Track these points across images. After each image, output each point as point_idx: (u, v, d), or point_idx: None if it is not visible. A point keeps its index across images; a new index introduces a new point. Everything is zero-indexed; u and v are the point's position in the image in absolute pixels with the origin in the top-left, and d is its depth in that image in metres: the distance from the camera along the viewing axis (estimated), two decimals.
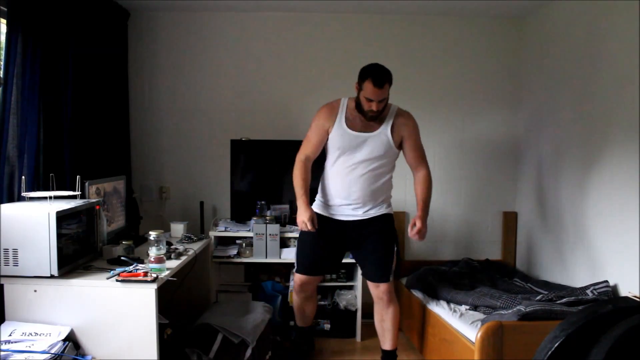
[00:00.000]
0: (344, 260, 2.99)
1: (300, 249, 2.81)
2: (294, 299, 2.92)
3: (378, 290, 2.66)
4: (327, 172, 2.73)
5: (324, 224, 2.70)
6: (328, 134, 2.65)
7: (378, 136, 2.61)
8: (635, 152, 2.54)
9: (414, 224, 2.64)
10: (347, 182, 2.65)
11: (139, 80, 3.69)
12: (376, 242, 2.69)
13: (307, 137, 2.70)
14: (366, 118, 2.57)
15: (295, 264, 2.83)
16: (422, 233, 2.65)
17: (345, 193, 2.66)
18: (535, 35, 3.60)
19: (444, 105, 3.80)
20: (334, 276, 3.39)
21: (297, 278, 2.83)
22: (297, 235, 2.88)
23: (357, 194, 2.65)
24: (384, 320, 2.73)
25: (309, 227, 2.57)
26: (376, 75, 2.47)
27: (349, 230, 2.71)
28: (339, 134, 2.62)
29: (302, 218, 2.58)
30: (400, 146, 2.69)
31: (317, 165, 2.78)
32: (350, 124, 2.62)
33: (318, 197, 2.80)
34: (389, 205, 2.76)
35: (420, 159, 2.73)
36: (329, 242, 2.72)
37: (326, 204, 2.74)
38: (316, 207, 2.77)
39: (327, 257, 2.79)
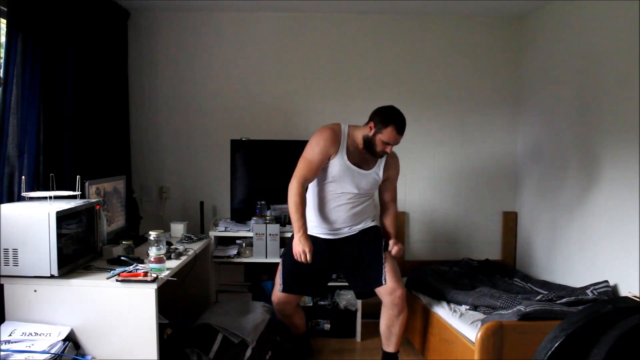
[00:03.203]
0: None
1: (285, 267, 2.78)
2: (279, 317, 2.93)
3: (394, 297, 2.63)
4: (314, 193, 2.74)
5: (313, 242, 2.70)
6: (329, 160, 2.62)
7: (371, 175, 2.68)
8: (636, 152, 2.54)
9: (394, 245, 2.75)
10: (331, 208, 2.70)
11: (139, 80, 3.69)
12: (364, 251, 2.72)
13: (307, 159, 2.59)
14: (375, 156, 2.63)
15: (278, 283, 2.80)
16: (401, 249, 2.78)
17: (332, 218, 2.71)
18: (535, 35, 3.60)
19: (444, 105, 3.80)
20: (334, 276, 3.38)
21: (275, 298, 2.82)
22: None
23: (340, 220, 2.71)
24: (393, 326, 2.71)
25: (308, 258, 2.56)
26: (401, 123, 2.53)
27: (336, 247, 2.75)
28: (338, 164, 2.61)
29: (304, 248, 2.54)
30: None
31: None
32: (350, 156, 2.63)
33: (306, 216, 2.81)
34: (373, 219, 2.82)
35: (394, 199, 2.87)
36: (317, 260, 2.67)
37: (313, 223, 2.76)
38: None
39: (312, 275, 2.77)
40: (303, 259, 2.57)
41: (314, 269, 2.73)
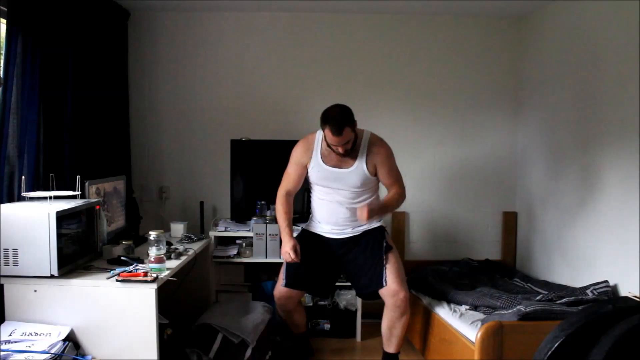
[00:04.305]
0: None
1: (289, 262, 2.77)
2: (280, 313, 2.93)
3: (396, 299, 2.62)
4: (313, 197, 2.80)
5: (316, 241, 2.76)
6: (307, 169, 2.69)
7: (354, 171, 2.63)
8: (635, 152, 2.54)
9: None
10: (331, 209, 2.72)
11: (139, 80, 3.69)
12: (366, 251, 2.72)
13: (287, 172, 2.76)
14: (341, 155, 2.58)
15: (282, 277, 2.80)
16: (364, 211, 2.49)
17: (332, 219, 2.74)
18: (535, 35, 3.60)
19: (443, 105, 3.80)
20: None
21: (277, 292, 2.82)
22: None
23: (342, 220, 2.72)
24: (395, 327, 2.71)
25: (293, 257, 2.60)
26: (333, 123, 2.43)
27: (340, 246, 2.76)
28: (316, 170, 2.66)
29: (286, 249, 2.63)
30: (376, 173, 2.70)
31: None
32: (326, 159, 2.64)
33: (310, 217, 2.87)
34: (379, 219, 2.80)
35: (395, 182, 2.70)
36: (320, 258, 2.72)
37: (317, 222, 2.81)
38: (309, 226, 2.85)
39: (315, 272, 2.78)
40: (289, 259, 2.62)
41: (317, 266, 2.75)
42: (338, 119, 2.44)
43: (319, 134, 2.67)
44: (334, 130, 2.44)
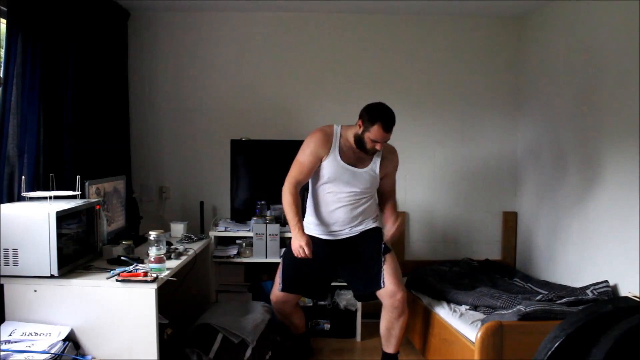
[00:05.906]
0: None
1: (285, 266, 2.77)
2: (278, 316, 2.93)
3: (394, 300, 2.62)
4: (312, 195, 2.77)
5: (313, 244, 2.71)
6: (321, 162, 2.65)
7: (367, 172, 2.66)
8: (635, 152, 2.54)
9: (391, 227, 2.70)
10: (331, 208, 2.69)
11: (139, 80, 3.69)
12: (363, 253, 2.71)
13: (299, 161, 2.64)
14: (368, 153, 2.61)
15: (278, 282, 2.79)
16: (396, 235, 2.72)
17: (332, 219, 2.71)
18: (535, 35, 3.60)
19: (444, 105, 3.80)
20: None
21: (273, 296, 2.81)
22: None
23: (340, 221, 2.71)
24: (393, 328, 2.70)
25: (307, 252, 2.54)
26: (386, 121, 2.49)
27: (337, 248, 2.74)
28: (332, 165, 2.63)
29: (300, 243, 2.54)
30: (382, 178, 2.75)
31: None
32: (344, 155, 2.63)
33: (306, 218, 2.82)
34: (375, 220, 2.80)
35: (394, 192, 2.85)
36: (317, 260, 2.69)
37: (313, 224, 2.77)
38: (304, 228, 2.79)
39: (312, 275, 2.77)
40: (302, 254, 2.55)
41: (313, 270, 2.73)
42: (390, 117, 2.52)
43: (337, 129, 2.66)
44: (386, 128, 2.49)
